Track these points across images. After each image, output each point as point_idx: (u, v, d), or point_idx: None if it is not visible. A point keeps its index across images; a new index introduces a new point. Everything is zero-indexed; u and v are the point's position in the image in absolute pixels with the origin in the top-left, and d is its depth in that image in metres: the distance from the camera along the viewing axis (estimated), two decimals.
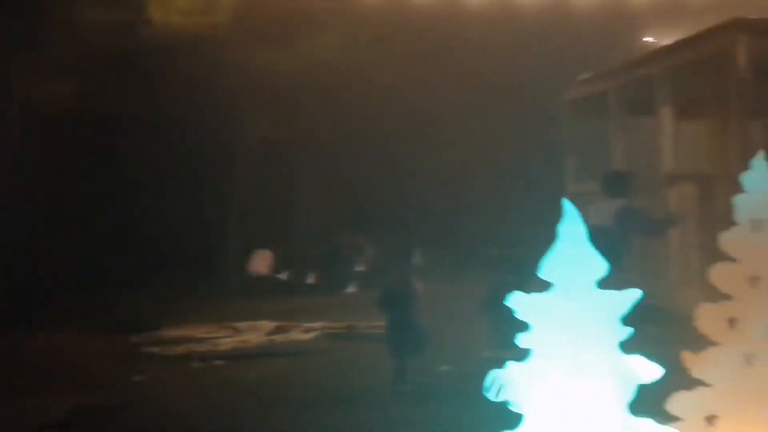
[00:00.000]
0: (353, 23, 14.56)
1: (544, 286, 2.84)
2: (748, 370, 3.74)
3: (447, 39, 14.70)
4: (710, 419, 3.71)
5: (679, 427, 3.50)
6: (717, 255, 5.87)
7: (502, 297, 7.97)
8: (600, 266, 2.85)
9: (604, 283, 2.93)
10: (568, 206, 2.85)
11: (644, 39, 14.46)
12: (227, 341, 9.38)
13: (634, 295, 2.92)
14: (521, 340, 2.78)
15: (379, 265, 12.62)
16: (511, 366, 2.77)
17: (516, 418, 2.89)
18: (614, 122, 7.44)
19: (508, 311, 7.81)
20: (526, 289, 2.84)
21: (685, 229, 6.25)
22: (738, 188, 5.34)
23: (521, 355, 2.91)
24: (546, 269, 2.82)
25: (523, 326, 2.83)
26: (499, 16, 14.98)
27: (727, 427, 3.71)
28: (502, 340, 8.00)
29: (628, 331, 2.95)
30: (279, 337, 9.67)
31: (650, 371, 2.96)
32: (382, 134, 14.71)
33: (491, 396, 2.72)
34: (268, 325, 10.16)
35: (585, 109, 8.05)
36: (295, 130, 14.93)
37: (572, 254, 2.81)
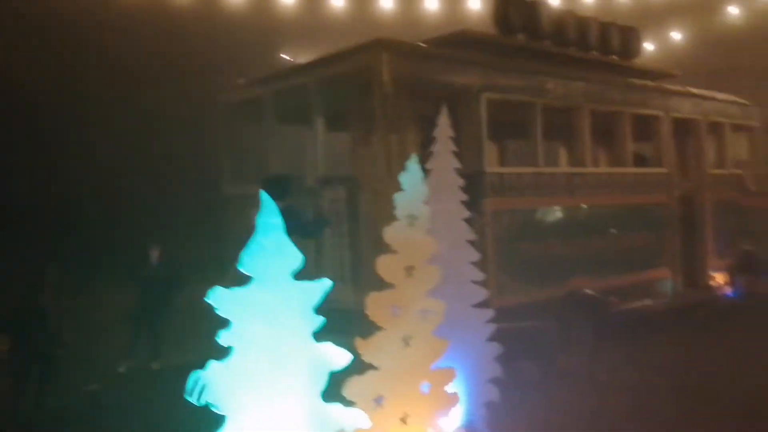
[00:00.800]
0: None
1: (243, 279, 2.80)
2: (406, 351, 4.15)
3: (99, 35, 13.59)
4: (378, 400, 4.01)
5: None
6: (365, 251, 6.52)
7: (155, 305, 7.63)
8: (295, 257, 2.92)
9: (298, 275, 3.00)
10: (265, 199, 2.86)
11: (283, 54, 15.29)
12: None
13: (325, 285, 3.05)
14: (222, 337, 2.69)
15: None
16: (213, 366, 2.66)
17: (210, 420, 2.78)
18: (269, 127, 7.67)
19: (156, 321, 7.50)
20: (226, 285, 2.76)
21: (337, 228, 6.72)
22: (381, 192, 5.99)
23: (212, 357, 2.81)
24: (245, 262, 2.78)
25: (222, 323, 2.75)
26: (154, 15, 14.41)
27: (392, 406, 4.07)
28: (154, 349, 7.73)
29: (320, 320, 3.07)
30: None
31: (340, 357, 3.12)
32: (18, 132, 12.86)
33: (194, 399, 2.57)
34: None
35: (242, 113, 8.13)
36: None
37: (269, 246, 2.83)
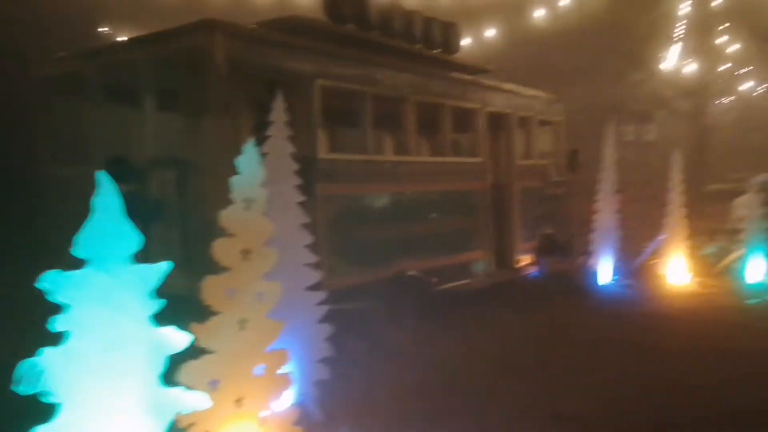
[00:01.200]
0: None
1: (79, 262, 2.70)
2: (242, 334, 4.17)
3: None
4: (213, 384, 4.00)
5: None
6: (196, 235, 6.37)
7: None
8: (134, 240, 2.86)
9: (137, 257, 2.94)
10: (103, 179, 2.77)
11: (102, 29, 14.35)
12: None
13: (164, 267, 3.02)
14: (57, 323, 2.59)
15: None
16: (47, 352, 2.55)
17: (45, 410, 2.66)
18: (94, 105, 7.23)
19: None
20: (62, 267, 2.65)
21: (168, 213, 6.53)
22: (213, 175, 5.90)
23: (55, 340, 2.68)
24: (81, 244, 2.69)
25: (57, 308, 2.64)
26: None
27: (227, 390, 4.08)
28: None
29: (159, 303, 3.03)
30: None
31: (179, 340, 3.11)
32: None
33: (24, 389, 2.44)
34: None
35: (62, 89, 7.57)
36: None
37: (107, 228, 2.75)
